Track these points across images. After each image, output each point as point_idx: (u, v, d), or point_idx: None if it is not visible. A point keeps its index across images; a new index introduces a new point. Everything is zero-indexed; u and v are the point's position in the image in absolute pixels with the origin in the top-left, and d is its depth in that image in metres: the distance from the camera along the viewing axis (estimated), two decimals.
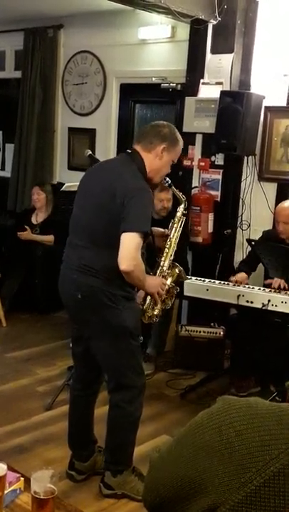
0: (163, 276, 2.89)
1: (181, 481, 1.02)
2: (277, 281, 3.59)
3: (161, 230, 2.98)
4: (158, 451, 1.16)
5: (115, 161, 2.78)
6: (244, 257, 4.43)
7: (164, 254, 2.93)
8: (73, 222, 2.65)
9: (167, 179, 2.79)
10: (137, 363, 2.68)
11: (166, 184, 2.82)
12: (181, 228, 2.98)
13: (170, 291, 2.89)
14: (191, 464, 1.01)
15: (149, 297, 2.80)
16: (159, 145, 2.58)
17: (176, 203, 4.26)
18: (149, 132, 2.63)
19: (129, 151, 2.63)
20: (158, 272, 2.90)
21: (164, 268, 2.91)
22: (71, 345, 2.86)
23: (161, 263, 2.91)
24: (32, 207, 5.53)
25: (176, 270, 2.96)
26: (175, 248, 2.95)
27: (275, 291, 3.52)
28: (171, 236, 2.96)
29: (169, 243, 2.94)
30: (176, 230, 2.97)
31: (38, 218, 5.39)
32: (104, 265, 2.47)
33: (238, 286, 3.67)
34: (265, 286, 3.69)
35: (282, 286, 3.57)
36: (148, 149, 2.58)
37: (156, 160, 2.59)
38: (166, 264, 2.91)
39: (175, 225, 2.98)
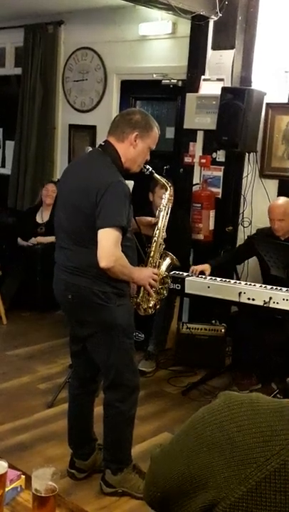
0: (154, 266, 2.80)
1: (182, 477, 1.02)
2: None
3: (148, 218, 2.91)
4: (159, 447, 1.16)
5: (88, 157, 2.72)
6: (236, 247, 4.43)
7: (154, 244, 2.83)
8: (56, 224, 2.63)
9: (148, 167, 2.69)
10: (131, 361, 2.66)
11: (147, 172, 2.71)
12: (168, 215, 2.88)
13: (164, 281, 2.83)
14: (192, 460, 1.01)
15: (142, 289, 2.75)
16: (131, 133, 2.52)
17: (177, 200, 4.29)
18: (119, 122, 2.57)
19: (102, 144, 2.58)
20: (148, 262, 2.81)
21: (155, 258, 2.82)
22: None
23: (151, 253, 2.82)
24: (37, 204, 5.50)
25: (168, 259, 2.89)
26: (164, 236, 2.86)
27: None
28: (159, 225, 2.85)
29: (157, 232, 2.84)
30: (163, 217, 2.86)
31: (43, 217, 5.37)
32: (90, 264, 2.44)
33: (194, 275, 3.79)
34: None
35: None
36: (121, 139, 2.53)
37: (130, 149, 2.53)
38: (157, 253, 2.82)
39: (162, 213, 2.86)
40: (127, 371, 2.63)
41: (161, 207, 2.88)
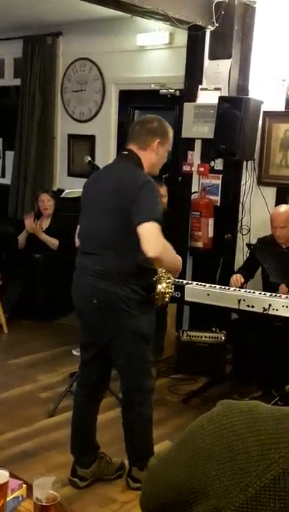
0: None
1: (182, 486, 1.02)
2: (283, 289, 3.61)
3: None
4: (156, 458, 1.16)
5: (114, 164, 2.81)
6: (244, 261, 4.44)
7: None
8: (84, 232, 2.70)
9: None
10: (148, 366, 2.75)
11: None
12: None
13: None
14: (192, 468, 1.00)
15: (166, 278, 2.72)
16: (153, 141, 2.64)
17: (176, 207, 4.32)
18: (140, 131, 2.68)
19: (126, 152, 2.68)
20: None
21: None
22: (78, 351, 2.87)
23: None
24: (37, 213, 5.54)
25: None
26: None
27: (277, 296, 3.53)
28: None
29: None
30: None
31: (42, 225, 5.40)
32: (120, 269, 2.52)
33: (237, 289, 3.72)
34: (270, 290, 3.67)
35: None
36: (143, 147, 2.64)
37: (152, 155, 2.65)
38: None
39: None
40: (145, 375, 2.72)
41: None
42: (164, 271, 2.71)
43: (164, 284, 2.72)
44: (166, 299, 2.78)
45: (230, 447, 0.96)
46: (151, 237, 2.43)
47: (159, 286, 2.73)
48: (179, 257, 2.70)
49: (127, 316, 2.56)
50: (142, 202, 2.46)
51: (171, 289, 2.78)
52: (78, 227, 2.82)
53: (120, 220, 2.51)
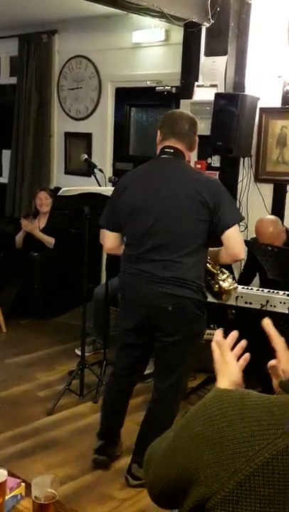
0: None
1: (178, 471, 1.04)
2: None
3: None
4: (155, 444, 1.18)
5: (171, 164, 2.66)
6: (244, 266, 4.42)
7: None
8: (144, 236, 2.59)
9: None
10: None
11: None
12: None
13: None
14: (186, 454, 1.03)
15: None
16: (196, 141, 2.74)
17: None
18: (189, 131, 2.69)
19: (172, 151, 2.65)
20: None
21: None
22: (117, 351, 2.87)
23: None
24: (34, 212, 5.54)
25: None
26: None
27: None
28: None
29: None
30: None
31: (40, 224, 5.40)
32: (196, 275, 2.57)
33: None
34: None
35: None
36: (189, 148, 2.71)
37: (191, 154, 2.81)
38: None
39: None
40: (188, 374, 2.87)
41: None
42: (217, 267, 2.76)
43: (229, 282, 2.81)
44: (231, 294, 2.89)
45: (221, 433, 0.99)
46: (240, 241, 2.57)
47: (226, 284, 2.79)
48: None
49: (198, 318, 2.63)
50: (224, 206, 2.52)
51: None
52: (110, 228, 2.78)
53: (197, 227, 2.52)
